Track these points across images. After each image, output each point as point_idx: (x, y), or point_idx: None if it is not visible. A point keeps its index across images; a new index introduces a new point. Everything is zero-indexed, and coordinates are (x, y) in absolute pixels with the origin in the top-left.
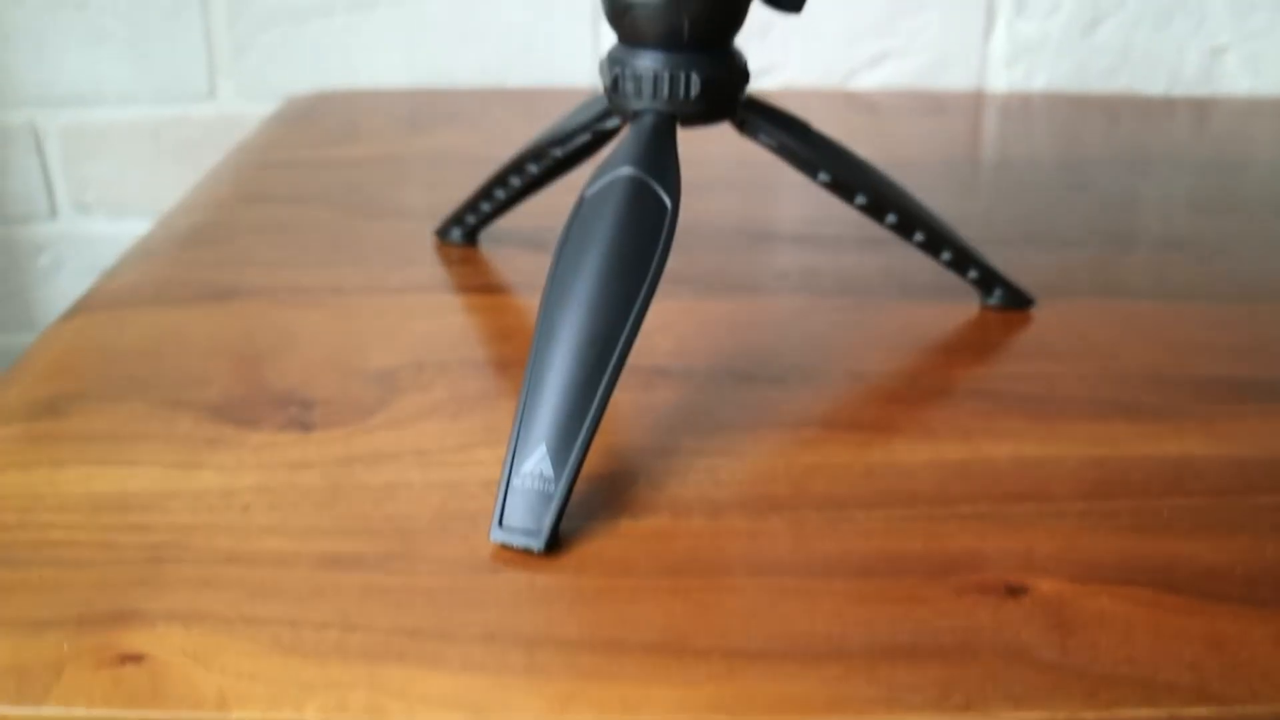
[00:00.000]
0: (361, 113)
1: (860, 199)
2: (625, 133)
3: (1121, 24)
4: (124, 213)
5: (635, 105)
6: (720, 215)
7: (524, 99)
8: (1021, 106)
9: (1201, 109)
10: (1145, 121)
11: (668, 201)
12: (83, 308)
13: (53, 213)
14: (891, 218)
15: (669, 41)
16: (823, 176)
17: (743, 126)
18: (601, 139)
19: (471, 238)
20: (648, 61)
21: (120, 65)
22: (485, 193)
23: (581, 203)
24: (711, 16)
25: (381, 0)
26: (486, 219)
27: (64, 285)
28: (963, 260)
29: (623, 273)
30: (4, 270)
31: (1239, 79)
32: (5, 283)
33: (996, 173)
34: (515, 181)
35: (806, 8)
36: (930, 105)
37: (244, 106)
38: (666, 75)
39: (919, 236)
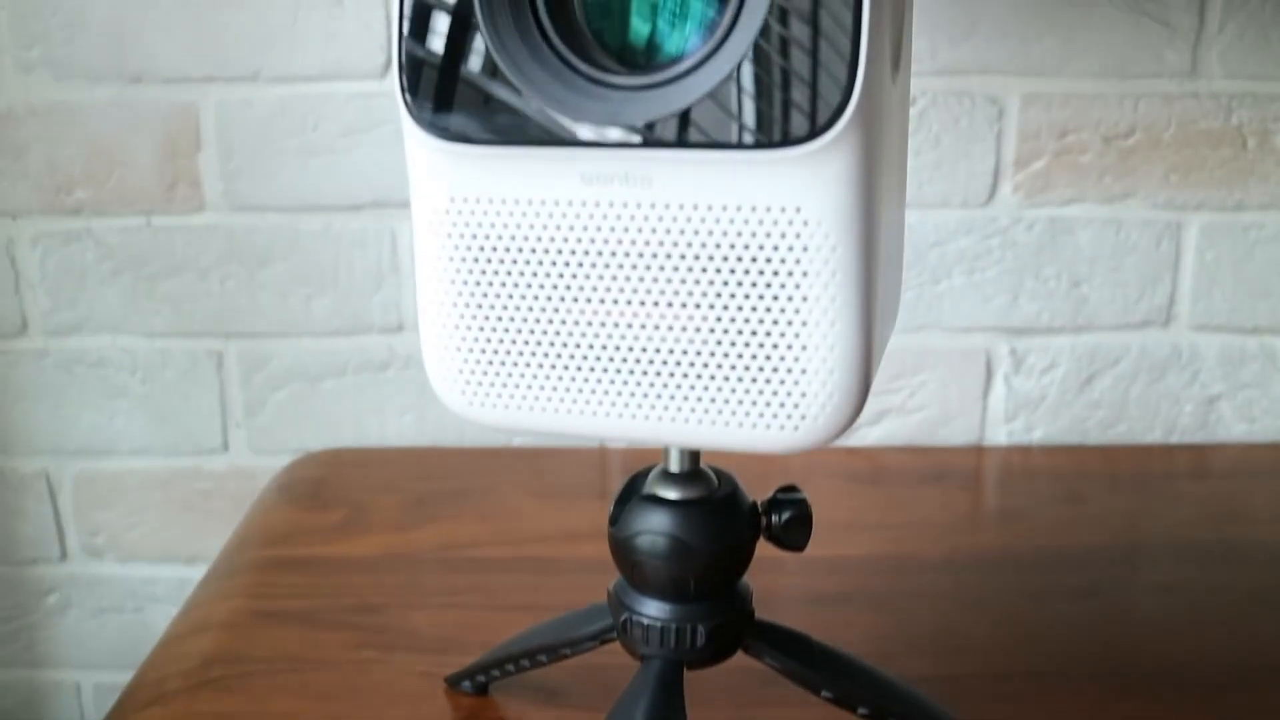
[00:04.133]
0: (372, 485)
1: (863, 710)
2: (634, 679)
3: (1117, 379)
4: (133, 557)
5: (643, 650)
6: None
7: (529, 462)
8: (1021, 461)
9: (1199, 457)
10: (1145, 481)
11: None
12: None
13: (63, 555)
14: None
15: (675, 594)
16: (826, 694)
17: (748, 650)
18: (609, 642)
19: (483, 690)
20: (654, 611)
21: (135, 419)
22: (498, 663)
23: None
24: (715, 572)
25: (392, 361)
26: (496, 680)
27: (71, 624)
28: None
29: None
30: (13, 608)
31: (1234, 425)
32: (13, 620)
33: (999, 574)
34: (525, 664)
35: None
36: (931, 466)
37: (256, 460)
38: (674, 628)
39: None
